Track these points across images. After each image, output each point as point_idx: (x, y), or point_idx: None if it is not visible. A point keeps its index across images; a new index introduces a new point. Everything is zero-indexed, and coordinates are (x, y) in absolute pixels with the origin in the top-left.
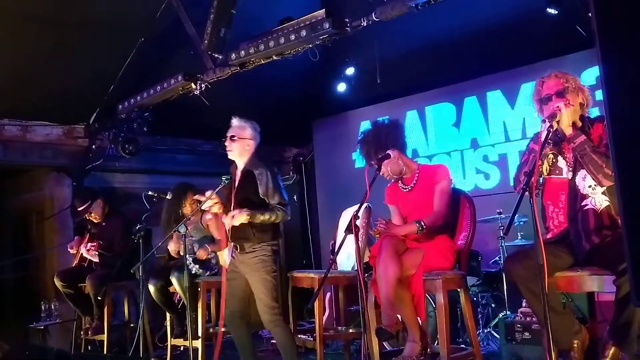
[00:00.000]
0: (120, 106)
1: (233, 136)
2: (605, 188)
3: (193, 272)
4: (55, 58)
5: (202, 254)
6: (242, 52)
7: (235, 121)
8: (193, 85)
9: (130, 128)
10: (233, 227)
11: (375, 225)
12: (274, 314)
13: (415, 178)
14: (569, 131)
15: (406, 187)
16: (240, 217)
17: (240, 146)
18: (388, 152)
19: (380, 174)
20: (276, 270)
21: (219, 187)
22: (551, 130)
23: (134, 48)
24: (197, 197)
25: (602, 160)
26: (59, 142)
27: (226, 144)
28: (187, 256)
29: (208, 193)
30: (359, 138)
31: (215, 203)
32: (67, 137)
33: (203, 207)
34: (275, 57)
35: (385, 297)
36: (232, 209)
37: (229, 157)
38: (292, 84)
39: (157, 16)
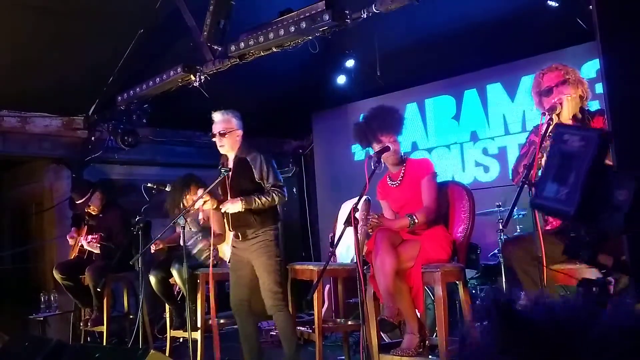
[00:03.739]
0: (119, 98)
1: (222, 132)
2: None
3: (202, 259)
4: (54, 49)
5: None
6: (242, 44)
7: (218, 115)
8: (192, 77)
9: (130, 120)
10: (233, 216)
11: (368, 219)
12: (277, 299)
13: (402, 172)
14: (569, 124)
15: (394, 182)
16: (234, 206)
17: (231, 139)
18: (388, 145)
19: (383, 160)
20: (279, 255)
21: (218, 180)
22: (551, 123)
23: (133, 39)
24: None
25: None
26: (58, 134)
27: (215, 140)
28: (199, 245)
29: (200, 192)
30: (362, 120)
31: (206, 201)
32: (66, 128)
33: (196, 206)
34: (274, 49)
35: (385, 290)
36: (228, 197)
37: (222, 152)
38: (292, 76)
39: (157, 7)
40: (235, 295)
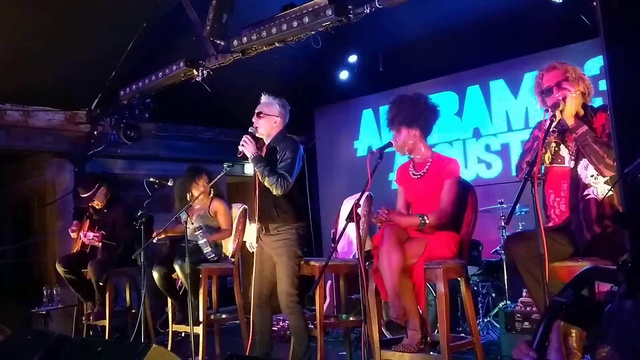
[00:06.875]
0: (122, 92)
1: (260, 113)
2: (608, 178)
3: (209, 257)
4: (56, 43)
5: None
6: (244, 39)
7: (263, 98)
8: (195, 72)
9: (132, 114)
10: (260, 207)
11: (377, 212)
12: (291, 300)
13: (427, 166)
14: (571, 121)
15: (416, 173)
16: (247, 149)
17: (267, 123)
18: (390, 141)
19: (393, 142)
20: (300, 255)
21: (220, 176)
22: (554, 119)
23: (136, 34)
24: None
25: (604, 151)
26: (61, 128)
27: (253, 120)
28: (204, 240)
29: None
30: (395, 99)
31: None
32: (69, 122)
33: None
34: (277, 44)
35: (391, 288)
36: (256, 187)
37: (257, 134)
38: (294, 71)
39: (159, 1)
40: (257, 289)
